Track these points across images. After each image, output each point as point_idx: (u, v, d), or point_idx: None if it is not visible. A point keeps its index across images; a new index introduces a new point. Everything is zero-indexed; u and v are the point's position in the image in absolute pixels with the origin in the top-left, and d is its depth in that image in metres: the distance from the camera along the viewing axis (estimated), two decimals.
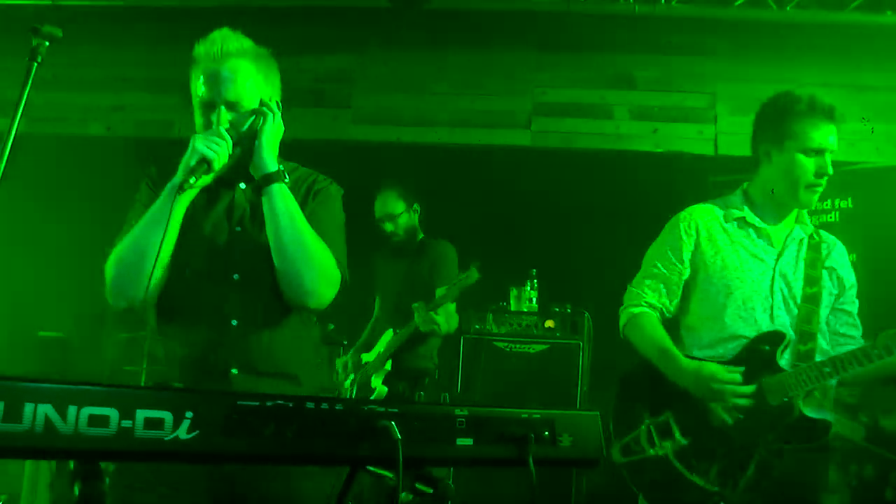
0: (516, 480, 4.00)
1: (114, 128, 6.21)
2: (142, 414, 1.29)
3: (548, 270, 5.17)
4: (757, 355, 2.78)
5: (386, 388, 4.39)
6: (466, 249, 4.78)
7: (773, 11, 5.28)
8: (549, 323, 5.02)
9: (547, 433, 1.55)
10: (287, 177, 2.21)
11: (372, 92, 6.08)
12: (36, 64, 2.00)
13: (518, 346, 4.96)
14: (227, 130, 2.16)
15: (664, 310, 2.99)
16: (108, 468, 1.45)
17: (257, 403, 1.37)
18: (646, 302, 2.99)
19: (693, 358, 2.82)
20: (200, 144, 2.09)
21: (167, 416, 1.30)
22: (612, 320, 4.72)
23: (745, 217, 2.95)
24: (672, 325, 3.00)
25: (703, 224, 2.96)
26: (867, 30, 5.21)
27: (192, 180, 2.05)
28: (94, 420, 1.25)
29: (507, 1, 5.47)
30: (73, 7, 5.63)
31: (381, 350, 4.41)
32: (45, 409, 1.22)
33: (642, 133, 5.78)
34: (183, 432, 1.31)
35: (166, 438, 1.29)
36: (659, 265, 2.99)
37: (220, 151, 2.10)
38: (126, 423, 1.27)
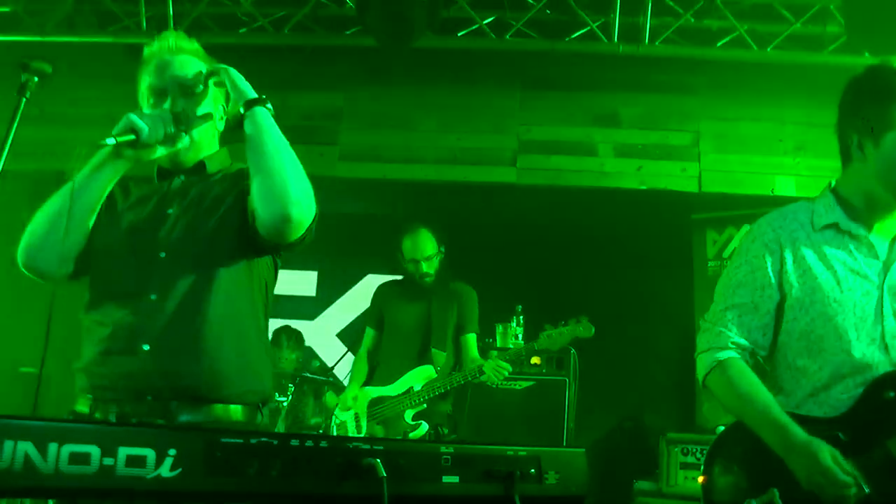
0: None
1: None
2: (123, 451, 1.27)
3: (533, 307, 5.18)
4: (879, 407, 2.11)
5: (426, 425, 4.34)
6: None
7: (755, 52, 5.38)
8: (535, 360, 5.02)
9: (533, 470, 1.54)
10: (269, 102, 2.16)
11: (359, 129, 6.12)
12: (24, 99, 2.00)
13: (504, 382, 4.95)
14: (173, 114, 2.13)
15: (756, 349, 2.31)
16: None
17: (241, 441, 1.36)
18: (733, 343, 2.29)
19: (791, 415, 2.16)
20: (133, 115, 2.04)
21: (149, 454, 1.29)
22: (597, 356, 4.74)
23: (838, 223, 2.27)
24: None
25: (785, 235, 2.29)
26: (846, 71, 5.31)
27: (107, 140, 1.99)
28: (75, 458, 1.23)
29: (492, 41, 5.54)
30: (62, 44, 5.65)
31: (416, 387, 4.35)
32: (25, 447, 1.20)
33: (627, 170, 5.84)
34: (165, 470, 1.29)
35: (148, 476, 1.27)
36: (741, 292, 2.31)
37: (151, 126, 2.04)
38: (108, 461, 1.25)
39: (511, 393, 4.91)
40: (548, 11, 5.52)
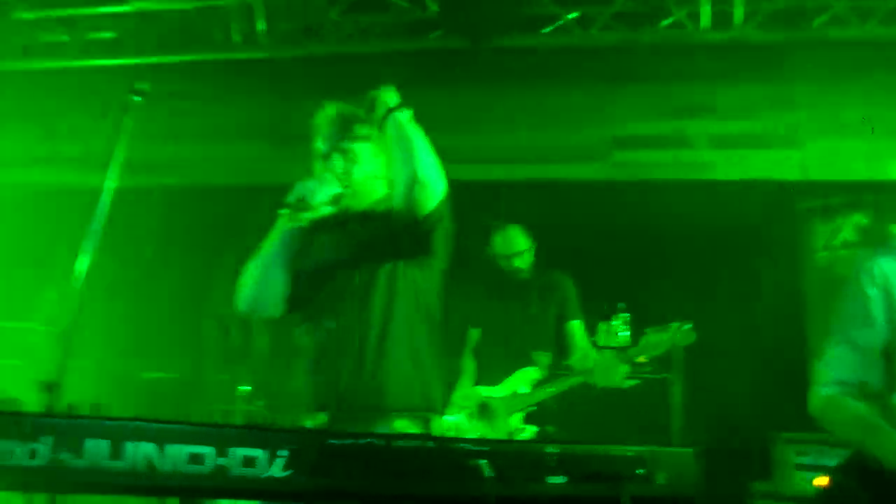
0: None
1: (208, 177, 6.45)
2: (237, 452, 1.31)
3: (636, 304, 5.07)
4: None
5: (536, 428, 4.33)
6: None
7: (855, 29, 5.11)
8: (641, 358, 4.91)
9: (641, 471, 1.51)
10: (407, 110, 2.49)
11: (445, 132, 6.12)
12: (129, 118, 2.09)
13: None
14: (336, 176, 2.49)
15: (863, 386, 2.21)
16: None
17: (349, 441, 1.38)
18: (835, 380, 2.24)
19: None
20: (300, 183, 2.43)
21: (261, 454, 1.32)
22: (704, 353, 4.57)
23: None
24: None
25: (892, 272, 2.22)
26: None
27: (284, 211, 2.41)
28: (192, 458, 1.28)
29: (578, 36, 5.46)
30: (164, 64, 5.90)
31: (525, 390, 4.34)
32: (147, 448, 1.26)
33: (724, 161, 5.66)
34: (277, 470, 1.32)
35: (261, 476, 1.31)
36: (845, 330, 2.26)
37: (318, 190, 2.42)
38: (222, 461, 1.29)
39: (616, 392, 4.83)
40: (632, 3, 5.40)
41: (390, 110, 2.49)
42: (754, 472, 4.99)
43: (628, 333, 4.83)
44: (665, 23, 5.35)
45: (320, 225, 2.57)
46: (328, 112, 2.61)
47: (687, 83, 5.82)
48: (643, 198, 5.90)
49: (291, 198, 2.42)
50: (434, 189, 2.43)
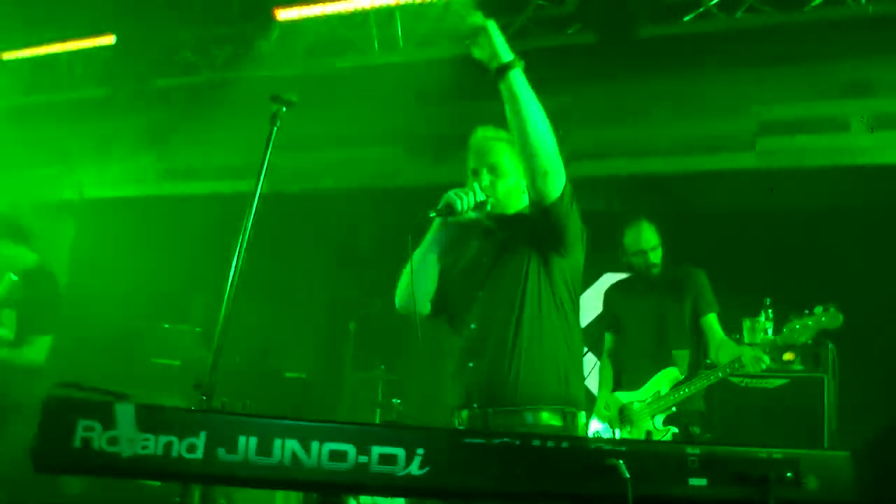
0: None
1: (342, 180, 6.69)
2: (377, 450, 1.36)
3: (783, 299, 4.83)
4: None
5: (676, 429, 4.25)
6: None
7: None
8: (788, 356, 4.67)
9: (790, 474, 1.44)
10: (520, 63, 2.54)
11: (589, 126, 6.07)
12: (276, 128, 2.20)
13: (755, 381, 4.66)
14: (482, 188, 2.68)
15: None
16: None
17: (484, 441, 1.40)
18: None
19: None
20: (450, 192, 2.61)
21: (400, 452, 1.36)
22: (859, 350, 4.28)
23: None
24: None
25: None
26: None
27: (431, 214, 2.61)
28: (334, 455, 1.33)
29: (722, 21, 5.25)
30: (305, 74, 6.16)
31: (663, 390, 4.27)
32: (292, 445, 1.32)
33: (886, 144, 5.28)
34: (415, 468, 1.36)
35: (399, 474, 1.35)
36: None
37: (463, 198, 2.59)
38: (363, 459, 1.34)
39: (763, 392, 4.61)
40: None
41: (503, 67, 2.53)
42: None
43: (771, 329, 4.62)
44: (817, 1, 5.05)
45: (468, 230, 2.82)
46: (478, 135, 2.83)
47: (843, 62, 5.47)
48: (792, 187, 5.61)
49: (441, 204, 2.60)
50: (555, 177, 2.51)
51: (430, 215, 2.64)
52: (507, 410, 2.50)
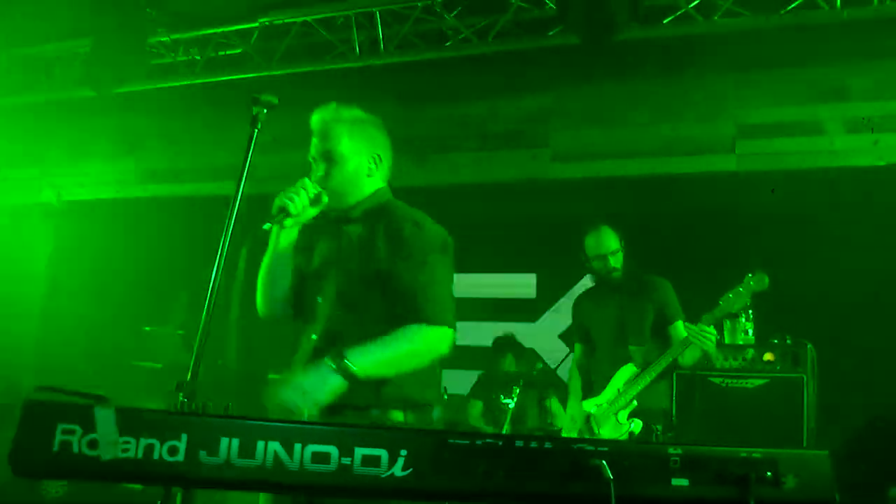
0: None
1: None
2: (360, 452, 1.35)
3: (763, 300, 4.87)
4: None
5: (641, 423, 4.26)
6: (673, 282, 4.62)
7: None
8: (768, 356, 4.71)
9: (770, 474, 1.45)
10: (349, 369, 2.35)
11: (570, 129, 6.10)
12: (257, 130, 2.19)
13: (735, 381, 4.69)
14: (315, 180, 2.57)
15: None
16: None
17: (467, 442, 1.40)
18: None
19: None
20: (279, 195, 2.48)
21: (383, 454, 1.36)
22: (839, 350, 4.31)
23: None
24: None
25: None
26: None
27: (266, 226, 2.48)
28: (317, 457, 1.33)
29: (700, 24, 5.30)
30: (286, 75, 6.15)
31: (621, 387, 4.28)
32: (275, 447, 1.32)
33: (861, 147, 5.35)
34: (398, 469, 1.36)
35: (382, 475, 1.35)
36: None
37: (295, 198, 2.47)
38: (345, 460, 1.34)
39: (743, 392, 4.65)
40: None
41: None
42: (894, 475, 4.69)
43: (752, 329, 4.65)
44: (793, 5, 5.11)
45: (315, 229, 2.69)
46: (315, 118, 2.68)
47: (818, 66, 5.54)
48: (773, 189, 5.66)
49: (273, 210, 2.48)
50: (440, 354, 2.46)
51: (265, 228, 2.50)
52: (356, 409, 2.39)
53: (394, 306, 2.47)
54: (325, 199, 2.55)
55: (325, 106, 2.68)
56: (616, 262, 4.40)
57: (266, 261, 2.65)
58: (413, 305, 2.44)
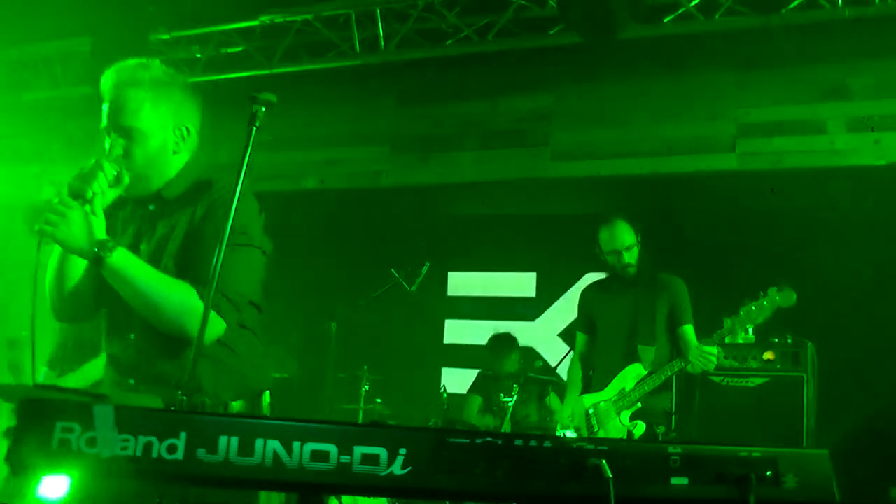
0: None
1: (327, 181, 6.68)
2: (359, 450, 1.35)
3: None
4: None
5: (644, 425, 4.22)
6: None
7: None
8: (768, 355, 4.71)
9: (770, 473, 1.45)
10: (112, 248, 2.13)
11: (570, 128, 6.10)
12: (255, 128, 2.17)
13: (735, 380, 4.70)
14: (113, 159, 2.20)
15: None
16: None
17: (467, 441, 1.40)
18: None
19: None
20: (71, 180, 2.15)
21: (382, 452, 1.36)
22: (840, 349, 4.31)
23: None
24: None
25: None
26: None
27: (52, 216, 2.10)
28: (316, 455, 1.33)
29: (702, 23, 5.30)
30: (286, 74, 6.15)
31: (628, 387, 4.25)
32: (274, 445, 1.32)
33: (861, 146, 5.34)
34: (397, 468, 1.35)
35: (381, 474, 1.34)
36: None
37: (92, 182, 2.13)
38: (344, 459, 1.34)
39: (743, 391, 4.65)
40: None
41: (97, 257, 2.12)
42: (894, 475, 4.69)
43: (752, 329, 4.64)
44: (794, 3, 5.10)
45: (114, 216, 2.32)
46: (107, 80, 2.25)
47: (819, 65, 5.54)
48: (772, 188, 5.66)
49: (65, 194, 2.13)
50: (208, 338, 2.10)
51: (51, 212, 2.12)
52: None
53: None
54: (127, 180, 2.21)
55: (121, 64, 2.26)
56: (630, 257, 4.34)
57: (56, 257, 2.27)
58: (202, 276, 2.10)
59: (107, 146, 2.25)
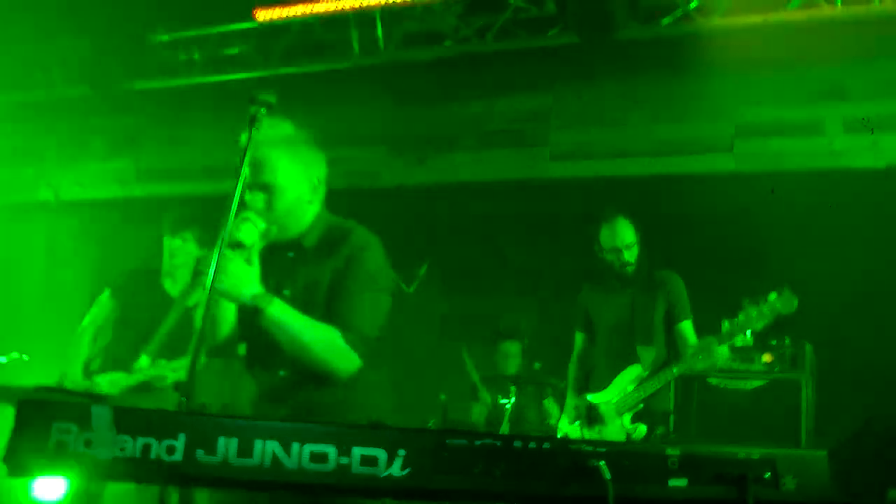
0: None
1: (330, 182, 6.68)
2: (358, 451, 1.35)
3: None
4: None
5: (645, 427, 4.20)
6: None
7: None
8: (767, 357, 4.70)
9: (768, 474, 1.45)
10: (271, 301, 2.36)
11: (568, 128, 6.10)
12: (255, 129, 2.17)
13: (733, 382, 4.69)
14: (259, 212, 2.43)
15: None
16: None
17: (466, 442, 1.40)
18: None
19: None
20: (229, 229, 2.21)
21: (381, 454, 1.36)
22: (839, 351, 4.30)
23: None
24: None
25: None
26: None
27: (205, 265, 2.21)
28: (315, 457, 1.32)
29: (700, 24, 5.30)
30: (283, 75, 6.14)
31: (630, 388, 4.22)
32: (273, 446, 1.31)
33: (860, 147, 5.34)
34: (396, 469, 1.35)
35: (381, 475, 1.34)
36: None
37: (247, 233, 2.37)
38: (344, 460, 1.34)
39: (740, 393, 4.63)
40: None
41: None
42: (893, 477, 4.68)
43: (750, 331, 4.62)
44: (794, 3, 5.10)
45: (265, 257, 2.52)
46: (244, 141, 2.32)
47: (818, 66, 5.53)
48: (770, 190, 5.66)
49: (226, 243, 2.18)
50: (346, 371, 2.48)
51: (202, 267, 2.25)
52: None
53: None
54: (274, 230, 2.46)
55: (257, 125, 2.30)
56: (630, 256, 4.31)
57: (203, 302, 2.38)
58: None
59: (248, 199, 2.46)
